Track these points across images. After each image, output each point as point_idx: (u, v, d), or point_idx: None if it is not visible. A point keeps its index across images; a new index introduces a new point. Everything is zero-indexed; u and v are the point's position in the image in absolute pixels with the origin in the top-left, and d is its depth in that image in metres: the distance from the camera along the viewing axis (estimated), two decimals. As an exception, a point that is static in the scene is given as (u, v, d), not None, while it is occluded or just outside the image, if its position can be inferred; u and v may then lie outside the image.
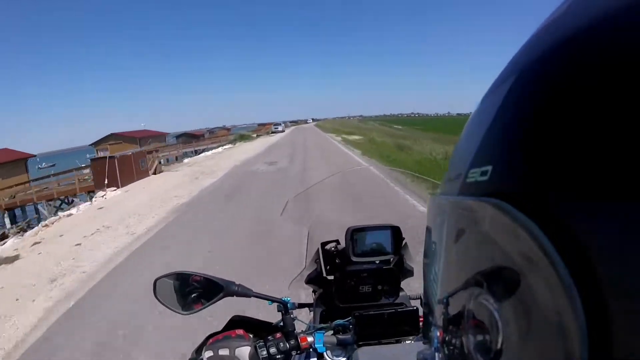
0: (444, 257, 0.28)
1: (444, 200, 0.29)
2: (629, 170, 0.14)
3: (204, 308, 0.74)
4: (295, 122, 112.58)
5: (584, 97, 0.17)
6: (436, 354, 0.30)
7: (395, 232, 0.88)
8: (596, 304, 0.14)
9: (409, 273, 0.94)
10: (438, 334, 0.30)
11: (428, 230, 0.33)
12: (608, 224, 0.14)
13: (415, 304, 0.88)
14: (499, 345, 0.20)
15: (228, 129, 68.71)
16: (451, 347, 0.27)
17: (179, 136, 56.73)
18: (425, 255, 0.34)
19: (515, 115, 0.22)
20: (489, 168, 0.22)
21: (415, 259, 0.95)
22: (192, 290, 0.76)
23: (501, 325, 0.20)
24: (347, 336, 0.76)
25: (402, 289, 0.92)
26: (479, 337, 0.23)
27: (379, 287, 0.88)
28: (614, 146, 0.15)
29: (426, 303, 0.35)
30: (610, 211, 0.14)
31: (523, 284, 0.18)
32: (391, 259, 0.90)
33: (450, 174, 0.29)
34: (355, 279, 0.87)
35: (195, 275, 0.76)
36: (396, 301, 0.89)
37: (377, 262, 0.88)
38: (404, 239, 0.90)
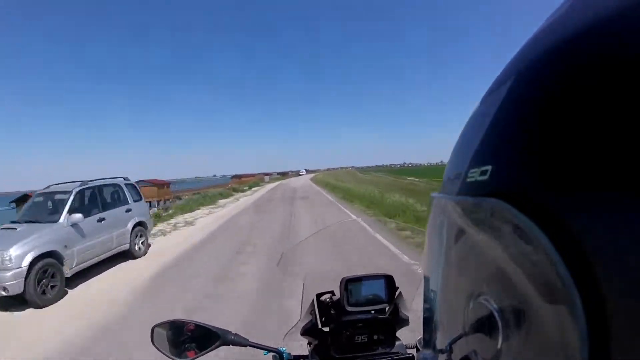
0: (444, 257, 0.28)
1: (444, 200, 0.28)
2: (629, 171, 0.14)
3: (200, 356, 0.74)
4: (283, 174, 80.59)
5: (583, 97, 0.17)
6: (437, 356, 0.30)
7: (389, 281, 0.87)
8: (596, 304, 0.14)
9: (405, 322, 0.90)
10: (438, 334, 0.29)
11: (428, 230, 0.33)
12: (608, 224, 0.14)
13: (412, 352, 0.85)
14: (499, 346, 0.20)
15: (163, 184, 40.18)
16: (452, 348, 0.27)
17: (17, 200, 26.34)
18: (425, 255, 0.34)
19: (515, 115, 0.22)
20: (489, 168, 0.22)
21: (410, 307, 0.91)
22: (190, 338, 0.76)
23: (501, 325, 0.20)
24: None
25: (398, 338, 0.88)
26: (479, 338, 0.22)
27: (375, 337, 0.85)
28: (614, 146, 0.15)
29: (427, 305, 0.34)
30: (610, 212, 0.14)
31: (523, 284, 0.18)
32: (386, 309, 0.88)
33: (449, 174, 0.29)
34: (351, 330, 0.85)
35: (192, 323, 0.77)
36: (392, 350, 0.86)
37: (372, 312, 0.87)
38: (397, 287, 0.88)
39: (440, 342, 0.29)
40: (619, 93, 0.15)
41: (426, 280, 0.33)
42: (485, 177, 0.22)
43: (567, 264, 0.15)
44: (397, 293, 0.88)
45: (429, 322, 0.32)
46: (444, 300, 0.29)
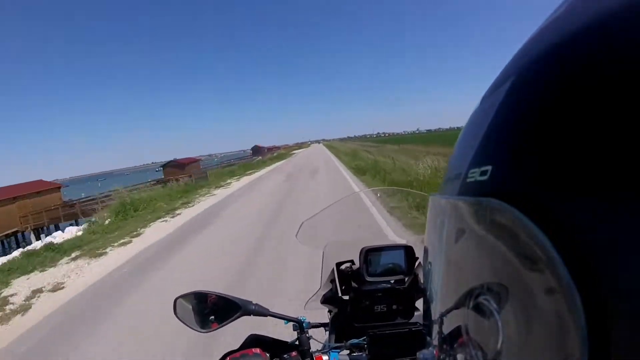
0: (444, 257, 0.28)
1: (444, 200, 0.28)
2: (630, 171, 0.14)
3: (222, 326, 0.77)
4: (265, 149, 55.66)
5: (583, 97, 0.17)
6: (436, 354, 0.31)
7: (409, 252, 0.88)
8: (596, 304, 0.14)
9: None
10: (438, 333, 0.30)
11: (428, 230, 0.33)
12: (608, 225, 0.14)
13: None
14: (498, 346, 0.20)
15: (51, 188, 19.42)
16: (452, 348, 0.27)
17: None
18: (426, 255, 0.34)
19: (515, 115, 0.22)
20: (489, 168, 0.22)
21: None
22: (211, 309, 0.79)
23: (501, 325, 0.20)
24: (362, 355, 0.79)
25: (417, 309, 0.89)
26: (479, 337, 0.23)
27: (394, 307, 0.87)
28: (614, 146, 0.15)
29: (426, 302, 0.34)
30: (610, 212, 0.14)
31: (523, 284, 0.18)
32: (405, 279, 0.88)
33: (450, 174, 0.29)
34: (370, 299, 0.87)
35: (213, 294, 0.79)
36: (411, 320, 0.87)
37: (392, 282, 0.87)
38: (417, 258, 0.88)
39: (440, 339, 0.29)
40: (619, 93, 0.15)
41: (426, 279, 0.34)
42: (485, 177, 0.22)
43: (567, 264, 0.15)
44: (416, 263, 0.87)
45: (429, 318, 0.33)
46: (443, 299, 0.29)
